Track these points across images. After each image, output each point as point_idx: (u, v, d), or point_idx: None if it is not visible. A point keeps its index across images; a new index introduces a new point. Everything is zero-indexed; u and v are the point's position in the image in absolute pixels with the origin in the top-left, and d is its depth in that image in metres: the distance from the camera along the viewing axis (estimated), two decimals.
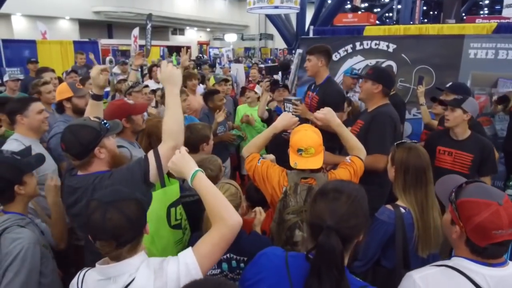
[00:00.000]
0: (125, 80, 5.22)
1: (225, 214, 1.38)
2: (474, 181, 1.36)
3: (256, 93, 4.73)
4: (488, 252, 1.27)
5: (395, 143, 2.15)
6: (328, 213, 1.20)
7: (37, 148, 2.66)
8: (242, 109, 4.75)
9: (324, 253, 1.15)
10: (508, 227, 1.21)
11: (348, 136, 2.29)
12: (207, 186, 1.46)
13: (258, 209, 2.19)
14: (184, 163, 1.54)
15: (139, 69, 4.68)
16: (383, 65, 4.68)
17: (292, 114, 3.43)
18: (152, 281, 1.25)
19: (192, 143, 2.81)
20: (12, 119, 2.69)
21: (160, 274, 1.26)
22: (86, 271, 1.38)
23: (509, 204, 1.24)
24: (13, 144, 2.56)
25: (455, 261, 1.34)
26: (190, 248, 1.35)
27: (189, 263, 1.28)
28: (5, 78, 5.75)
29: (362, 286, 1.24)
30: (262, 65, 9.22)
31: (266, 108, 4.27)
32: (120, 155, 1.98)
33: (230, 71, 10.38)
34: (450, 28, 5.19)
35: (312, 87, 3.57)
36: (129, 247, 1.28)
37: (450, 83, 3.63)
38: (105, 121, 1.87)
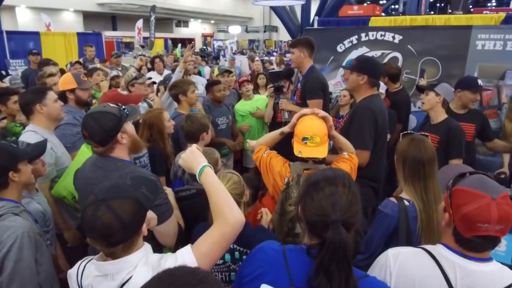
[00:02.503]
0: (118, 76, 5.27)
1: (227, 211, 1.34)
2: (479, 172, 1.34)
3: (250, 82, 4.74)
4: (471, 245, 1.26)
5: (401, 133, 2.13)
6: (330, 207, 1.18)
7: (55, 140, 2.64)
8: (240, 107, 4.62)
9: (335, 249, 1.12)
10: (496, 223, 1.18)
11: (340, 137, 2.30)
12: (213, 182, 1.44)
13: (265, 210, 2.19)
14: (193, 158, 1.53)
15: (138, 69, 4.80)
16: (389, 56, 4.62)
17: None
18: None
19: (192, 133, 2.81)
20: (29, 110, 2.59)
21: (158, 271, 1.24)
22: (87, 263, 1.35)
23: (506, 201, 1.21)
24: (32, 137, 2.41)
25: (434, 247, 1.36)
26: (189, 245, 1.32)
27: (187, 261, 1.24)
28: (12, 69, 5.76)
29: (362, 276, 1.22)
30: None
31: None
32: (139, 140, 2.01)
33: (235, 63, 10.32)
34: (457, 19, 5.11)
35: (300, 79, 3.66)
36: (122, 247, 1.25)
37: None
38: (123, 106, 1.89)
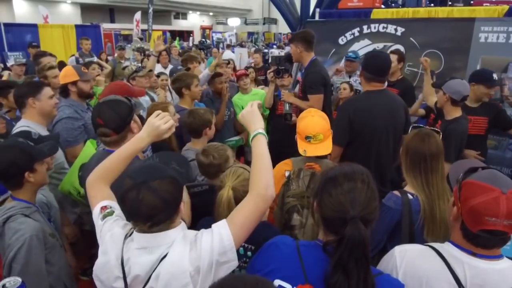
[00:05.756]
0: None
1: (262, 185, 1.35)
2: (490, 167, 1.31)
3: (248, 75, 4.69)
4: (479, 240, 1.22)
5: (411, 126, 2.13)
6: (349, 204, 1.15)
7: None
8: (238, 101, 4.53)
9: (354, 246, 1.10)
10: (504, 217, 1.14)
11: None
12: (261, 151, 1.45)
13: None
14: (252, 119, 1.54)
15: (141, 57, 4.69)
16: (391, 49, 4.59)
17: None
18: (188, 252, 1.24)
19: (195, 128, 2.79)
20: (22, 103, 2.58)
21: (195, 245, 1.25)
22: (125, 239, 1.34)
23: None
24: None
25: (442, 245, 1.33)
26: (224, 220, 1.33)
27: (223, 233, 1.26)
28: (11, 62, 5.82)
29: (376, 273, 1.21)
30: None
31: None
32: None
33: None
34: (460, 11, 5.07)
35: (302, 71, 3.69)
36: (163, 225, 1.27)
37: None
38: (129, 97, 1.94)
